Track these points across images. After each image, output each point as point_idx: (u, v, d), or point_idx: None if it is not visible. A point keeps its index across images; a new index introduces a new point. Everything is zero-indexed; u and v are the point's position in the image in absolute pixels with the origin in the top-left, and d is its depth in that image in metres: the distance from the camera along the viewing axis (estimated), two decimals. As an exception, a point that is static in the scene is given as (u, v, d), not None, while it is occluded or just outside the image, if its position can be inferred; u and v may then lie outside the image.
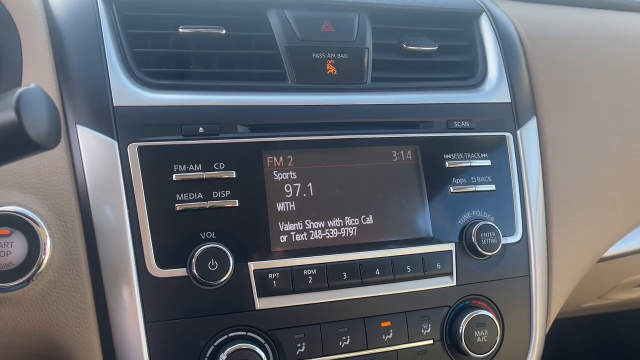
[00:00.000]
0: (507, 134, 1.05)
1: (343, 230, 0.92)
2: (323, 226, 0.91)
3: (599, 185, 1.16)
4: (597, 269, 1.23)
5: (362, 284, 0.90)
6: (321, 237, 0.90)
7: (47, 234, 0.80)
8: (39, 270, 0.79)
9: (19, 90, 0.60)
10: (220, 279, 0.82)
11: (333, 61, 0.98)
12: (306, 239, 0.89)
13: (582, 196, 1.13)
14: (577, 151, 1.14)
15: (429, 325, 0.93)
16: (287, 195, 0.90)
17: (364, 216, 0.93)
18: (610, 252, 1.24)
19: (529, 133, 1.08)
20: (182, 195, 0.84)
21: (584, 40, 1.25)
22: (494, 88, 1.08)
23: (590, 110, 1.19)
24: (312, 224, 0.90)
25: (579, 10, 1.34)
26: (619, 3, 1.37)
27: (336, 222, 0.91)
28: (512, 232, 1.01)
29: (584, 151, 1.15)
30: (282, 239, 0.88)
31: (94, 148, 0.84)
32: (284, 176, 0.90)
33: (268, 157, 0.90)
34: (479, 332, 0.94)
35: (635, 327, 2.08)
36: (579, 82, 1.19)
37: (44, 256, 0.79)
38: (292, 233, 0.89)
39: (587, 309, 1.69)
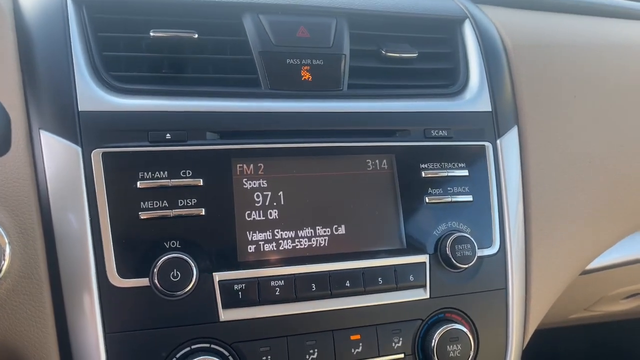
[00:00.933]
0: (486, 143, 1.03)
1: (314, 241, 0.90)
2: (293, 236, 0.89)
3: (582, 197, 1.14)
4: (581, 281, 1.21)
5: (331, 296, 0.88)
6: (291, 247, 0.88)
7: (6, 241, 0.78)
8: (-3, 278, 0.77)
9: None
10: (183, 289, 0.81)
11: (308, 67, 0.96)
12: (275, 249, 0.87)
13: (564, 208, 1.11)
14: (559, 162, 1.12)
15: (400, 339, 0.91)
16: (256, 204, 0.88)
17: (336, 226, 0.91)
18: (595, 264, 1.22)
19: (509, 143, 1.06)
20: (146, 203, 0.82)
21: (570, 48, 1.22)
22: (474, 96, 1.06)
23: (574, 121, 1.16)
24: (281, 234, 0.88)
25: (566, 17, 1.32)
26: (606, 9, 1.35)
27: (307, 232, 0.90)
28: (489, 244, 0.99)
29: (566, 162, 1.13)
30: (250, 248, 0.86)
31: (56, 154, 0.82)
32: (254, 184, 0.89)
33: (238, 165, 0.88)
34: (451, 346, 0.92)
35: (623, 337, 2.05)
36: (563, 91, 1.17)
37: (2, 262, 0.78)
38: (261, 243, 0.87)
39: (575, 320, 1.66)
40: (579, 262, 1.15)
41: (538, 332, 1.12)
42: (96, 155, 0.82)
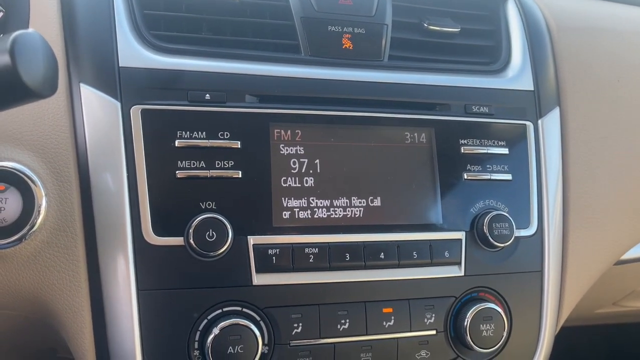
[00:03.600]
0: (527, 122, 1.01)
1: (349, 211, 0.88)
2: (328, 205, 0.87)
3: (622, 184, 1.10)
4: (613, 272, 1.18)
5: (365, 267, 0.86)
6: (325, 215, 0.87)
7: (43, 193, 0.77)
8: (33, 230, 0.77)
9: (15, 33, 0.58)
10: (217, 250, 0.79)
11: (349, 35, 0.94)
12: (310, 216, 0.86)
13: (603, 194, 1.08)
14: (600, 146, 1.09)
15: (433, 315, 0.89)
16: (292, 171, 0.86)
17: (372, 197, 0.89)
18: (629, 255, 1.18)
19: (551, 123, 1.03)
20: (183, 162, 0.81)
21: (615, 33, 1.19)
22: (516, 75, 1.03)
23: (617, 106, 1.13)
24: (317, 202, 0.87)
25: (610, 4, 1.29)
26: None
27: (342, 201, 0.88)
28: (526, 225, 0.97)
29: (608, 147, 1.10)
30: (285, 214, 0.85)
31: (96, 108, 0.81)
32: (291, 150, 0.87)
33: (275, 130, 0.87)
34: (485, 325, 0.90)
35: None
36: (607, 75, 1.14)
37: (38, 216, 0.77)
38: (296, 209, 0.86)
39: (602, 317, 1.62)
40: (615, 250, 1.12)
41: (561, 331, 1.10)
42: (135, 111, 0.81)
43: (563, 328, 1.09)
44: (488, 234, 0.92)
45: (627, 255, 1.18)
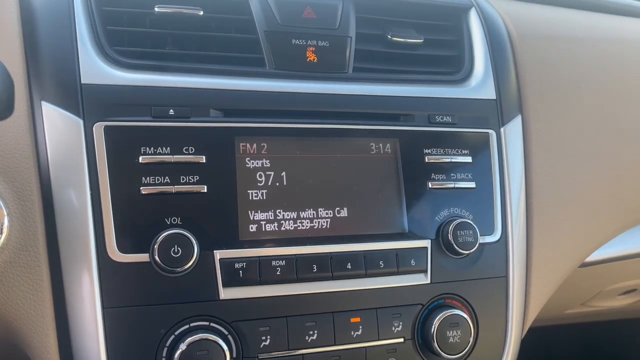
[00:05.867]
0: (490, 131, 1.03)
1: (316, 222, 0.89)
2: (295, 217, 0.88)
3: (584, 189, 1.13)
4: (579, 274, 1.21)
5: (332, 278, 0.87)
6: (292, 228, 0.87)
7: (4, 212, 0.77)
8: (-5, 250, 0.76)
9: (-31, 56, 0.57)
10: (183, 266, 0.80)
11: (314, 48, 0.95)
12: (276, 229, 0.87)
13: (566, 199, 1.10)
14: (562, 152, 1.11)
15: (400, 323, 0.90)
16: (258, 184, 0.87)
17: (338, 208, 0.90)
18: (594, 257, 1.21)
19: (513, 131, 1.05)
20: (148, 178, 0.81)
21: (575, 40, 1.22)
22: (479, 84, 1.05)
23: (579, 112, 1.16)
24: (283, 214, 0.87)
25: (570, 11, 1.32)
26: (609, 6, 1.35)
27: (309, 213, 0.89)
28: (490, 232, 0.99)
29: (569, 153, 1.12)
30: (252, 228, 0.85)
31: (58, 126, 0.81)
32: (257, 164, 0.88)
33: (241, 144, 0.87)
34: (451, 332, 0.92)
35: (621, 338, 2.05)
36: (567, 82, 1.17)
37: (0, 235, 0.76)
38: (262, 222, 0.86)
39: (571, 317, 1.66)
40: (579, 253, 1.14)
41: (532, 331, 1.12)
42: (98, 128, 0.81)
43: (537, 327, 1.12)
44: (453, 242, 0.93)
45: (591, 258, 1.21)
